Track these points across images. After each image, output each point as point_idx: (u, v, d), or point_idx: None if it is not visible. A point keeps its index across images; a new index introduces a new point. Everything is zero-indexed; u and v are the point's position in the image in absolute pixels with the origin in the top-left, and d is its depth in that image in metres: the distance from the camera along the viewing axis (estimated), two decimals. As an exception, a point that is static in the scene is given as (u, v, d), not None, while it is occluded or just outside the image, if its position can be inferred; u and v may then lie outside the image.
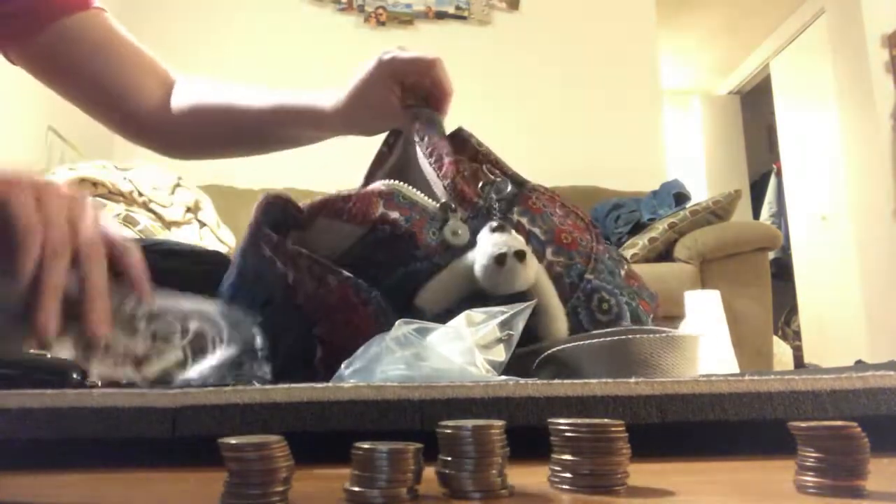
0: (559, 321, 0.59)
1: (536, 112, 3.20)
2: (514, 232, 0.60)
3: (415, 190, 0.64)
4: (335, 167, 2.99)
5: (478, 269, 0.57)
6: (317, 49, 3.16)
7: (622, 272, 0.66)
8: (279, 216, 0.60)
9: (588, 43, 3.30)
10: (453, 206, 0.62)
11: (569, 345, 0.53)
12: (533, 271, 0.57)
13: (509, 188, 0.65)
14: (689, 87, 5.56)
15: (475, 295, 0.57)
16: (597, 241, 0.66)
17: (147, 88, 0.81)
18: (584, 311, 0.61)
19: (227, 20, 3.16)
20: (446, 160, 0.65)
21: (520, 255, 0.55)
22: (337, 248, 0.59)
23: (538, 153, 3.14)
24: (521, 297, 0.54)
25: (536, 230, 0.64)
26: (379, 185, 0.64)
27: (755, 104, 5.34)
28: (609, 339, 0.51)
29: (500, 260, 0.55)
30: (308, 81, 3.37)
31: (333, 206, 0.60)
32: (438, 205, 0.62)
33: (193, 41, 3.11)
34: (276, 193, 0.60)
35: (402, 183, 0.64)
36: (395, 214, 0.60)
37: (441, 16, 3.27)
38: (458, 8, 3.28)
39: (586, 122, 3.20)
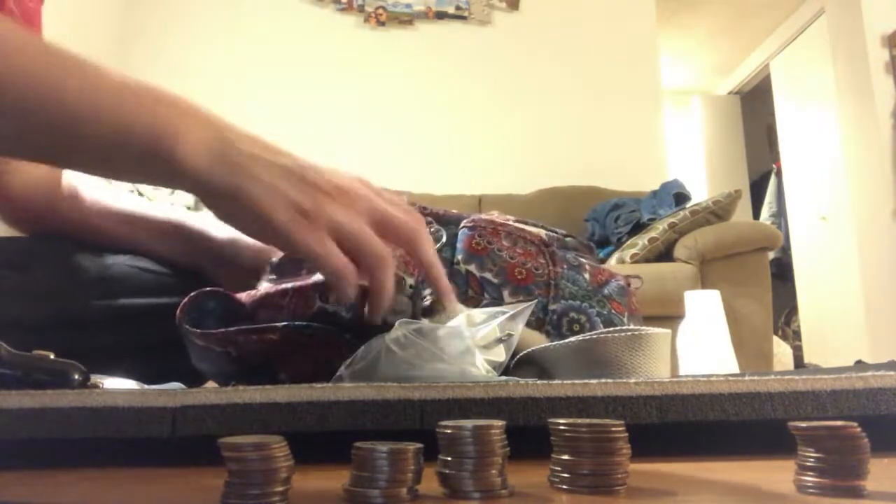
0: (533, 338, 0.58)
1: (536, 112, 3.20)
2: (447, 306, 0.54)
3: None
4: (336, 167, 2.99)
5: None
6: (317, 49, 3.16)
7: (586, 275, 0.64)
8: (215, 308, 0.57)
9: (588, 43, 3.30)
10: (402, 274, 0.57)
11: (539, 346, 0.53)
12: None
13: (444, 237, 0.62)
14: (689, 87, 5.57)
15: None
16: (552, 261, 0.63)
17: None
18: (556, 337, 0.60)
19: (227, 20, 3.16)
20: None
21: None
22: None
23: (538, 153, 3.14)
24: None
25: (487, 274, 0.61)
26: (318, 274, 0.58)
27: (755, 104, 5.34)
28: (575, 339, 0.51)
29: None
30: (308, 81, 3.37)
31: (271, 302, 0.56)
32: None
33: (193, 41, 3.11)
34: (201, 291, 0.56)
35: None
36: (332, 307, 0.56)
37: (441, 16, 3.27)
38: (458, 8, 3.28)
39: (586, 121, 3.20)
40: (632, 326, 0.57)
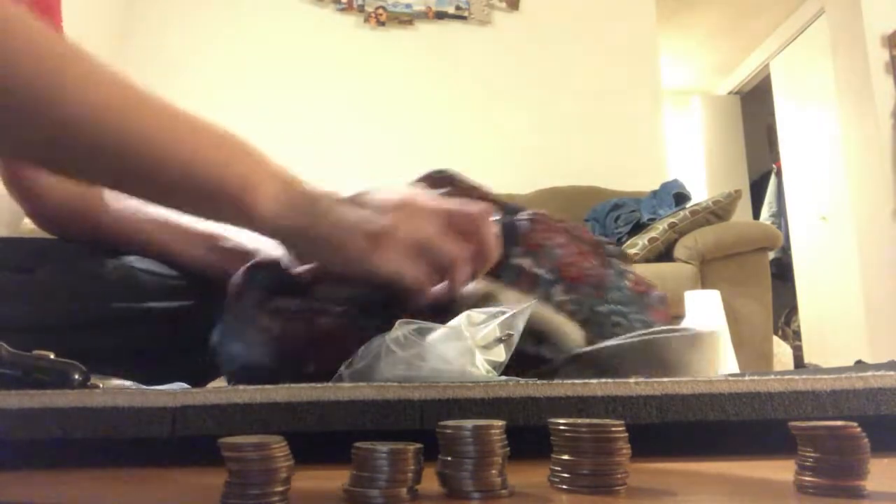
0: (576, 334, 0.59)
1: (536, 112, 3.20)
2: (500, 293, 0.56)
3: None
4: (336, 167, 3.00)
5: None
6: (317, 49, 3.16)
7: (627, 283, 0.64)
8: (268, 280, 0.58)
9: (588, 43, 3.30)
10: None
11: (599, 346, 0.53)
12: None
13: (514, 222, 0.62)
14: (689, 87, 5.57)
15: None
16: (603, 262, 0.64)
17: None
18: (600, 339, 0.61)
19: (226, 20, 3.16)
20: None
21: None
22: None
23: (539, 153, 3.14)
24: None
25: (541, 270, 0.61)
26: None
27: (755, 104, 5.34)
28: (633, 338, 0.52)
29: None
30: (308, 81, 3.37)
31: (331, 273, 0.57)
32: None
33: (193, 41, 3.11)
34: (265, 259, 0.58)
35: None
36: None
37: (441, 16, 3.27)
38: (458, 8, 3.28)
39: (586, 122, 3.20)
40: (683, 326, 0.58)
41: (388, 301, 0.52)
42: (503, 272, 0.61)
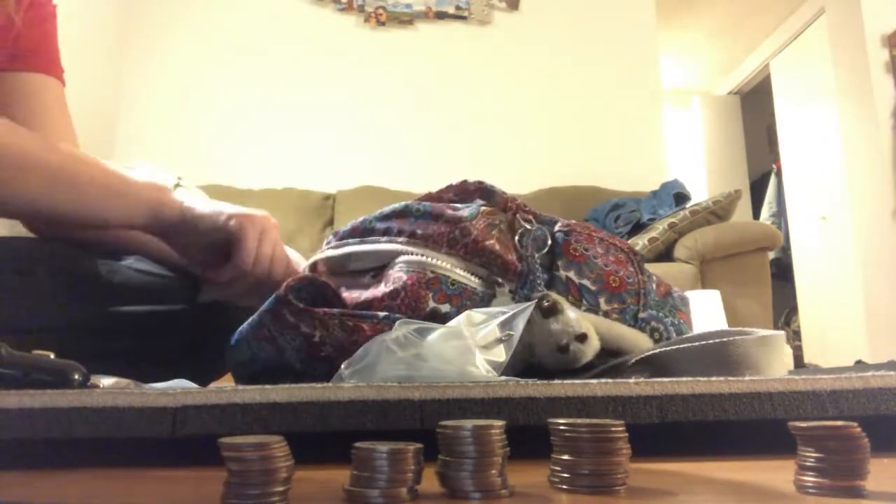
0: (642, 341, 0.60)
1: (536, 112, 3.20)
2: (565, 309, 0.56)
3: (458, 270, 0.59)
4: (337, 167, 3.00)
5: (541, 353, 0.56)
6: (317, 49, 3.16)
7: (654, 287, 0.65)
8: (313, 295, 0.59)
9: (588, 43, 3.30)
10: (499, 280, 0.59)
11: (669, 348, 0.53)
12: (593, 347, 0.56)
13: (548, 238, 0.63)
14: (689, 87, 5.56)
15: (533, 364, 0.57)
16: (640, 270, 0.64)
17: None
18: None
19: (227, 20, 3.16)
20: (472, 230, 0.61)
21: (581, 339, 0.54)
22: None
23: (538, 153, 3.14)
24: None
25: (586, 281, 0.62)
26: (426, 268, 0.59)
27: (755, 104, 5.33)
28: (705, 342, 0.52)
29: (563, 349, 0.54)
30: (308, 81, 3.36)
31: (381, 304, 0.58)
32: (481, 281, 0.59)
33: (194, 41, 3.11)
34: (305, 276, 0.61)
35: (442, 259, 0.60)
36: (445, 308, 0.58)
37: (441, 16, 3.27)
38: (458, 8, 3.28)
39: (586, 122, 3.20)
40: (745, 328, 0.58)
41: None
42: (553, 285, 0.61)
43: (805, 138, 4.28)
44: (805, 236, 4.24)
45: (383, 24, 3.23)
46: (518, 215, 0.64)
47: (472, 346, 0.47)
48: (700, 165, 5.26)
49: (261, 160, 2.96)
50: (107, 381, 0.50)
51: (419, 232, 0.61)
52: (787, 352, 3.31)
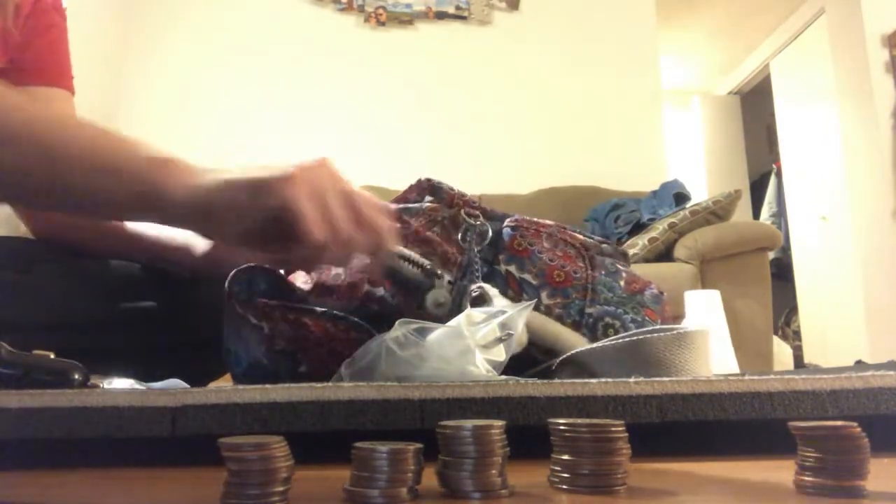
0: (576, 340, 0.60)
1: (536, 112, 3.20)
2: (493, 297, 0.57)
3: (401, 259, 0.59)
4: (336, 166, 2.99)
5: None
6: (317, 49, 3.16)
7: (621, 283, 0.65)
8: (266, 290, 0.60)
9: (588, 43, 3.30)
10: (438, 271, 0.59)
11: (585, 347, 0.53)
12: (523, 335, 0.55)
13: (490, 232, 0.64)
14: (689, 87, 5.56)
15: None
16: (591, 265, 0.64)
17: None
18: (592, 341, 0.61)
19: (227, 20, 3.16)
20: (413, 223, 0.63)
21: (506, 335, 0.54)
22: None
23: (538, 153, 3.14)
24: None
25: (527, 276, 0.62)
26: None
27: (755, 104, 5.33)
28: (620, 339, 0.52)
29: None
30: (308, 81, 3.36)
31: (324, 286, 0.61)
32: (422, 272, 0.59)
33: (194, 41, 3.11)
34: (252, 266, 0.60)
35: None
36: (380, 292, 0.59)
37: (441, 16, 3.27)
38: (458, 8, 3.28)
39: (586, 121, 3.20)
40: (671, 325, 0.58)
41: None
42: (492, 278, 0.62)
43: (805, 138, 4.28)
44: (805, 236, 4.24)
45: (383, 24, 3.23)
46: (463, 210, 0.66)
47: (471, 345, 0.47)
48: (700, 165, 5.26)
49: (261, 160, 2.96)
50: (107, 381, 0.50)
51: None
52: (787, 352, 3.30)
